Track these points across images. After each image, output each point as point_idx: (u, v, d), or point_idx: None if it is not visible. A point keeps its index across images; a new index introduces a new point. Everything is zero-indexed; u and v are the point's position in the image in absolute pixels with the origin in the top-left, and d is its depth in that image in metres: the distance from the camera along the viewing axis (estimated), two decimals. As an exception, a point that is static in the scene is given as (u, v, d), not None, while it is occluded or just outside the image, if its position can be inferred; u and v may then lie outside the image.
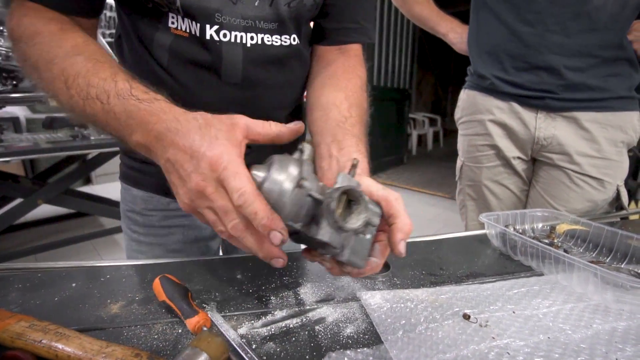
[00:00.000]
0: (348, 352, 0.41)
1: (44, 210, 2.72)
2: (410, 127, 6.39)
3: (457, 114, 1.29)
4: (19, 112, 3.91)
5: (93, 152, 2.60)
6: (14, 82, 2.61)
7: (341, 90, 0.67)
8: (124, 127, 0.46)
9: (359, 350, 0.42)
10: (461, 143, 1.28)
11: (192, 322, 0.46)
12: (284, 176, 0.43)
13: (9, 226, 2.47)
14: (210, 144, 0.42)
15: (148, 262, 0.67)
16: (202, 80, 0.65)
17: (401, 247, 0.45)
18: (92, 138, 2.54)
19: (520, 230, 0.79)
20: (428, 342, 0.43)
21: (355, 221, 0.43)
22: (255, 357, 0.42)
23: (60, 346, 0.41)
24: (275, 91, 0.71)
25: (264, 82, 0.68)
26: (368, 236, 0.47)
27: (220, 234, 0.45)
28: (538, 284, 0.58)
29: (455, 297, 0.53)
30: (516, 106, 1.10)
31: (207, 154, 0.42)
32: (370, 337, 0.46)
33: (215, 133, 0.44)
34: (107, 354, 0.39)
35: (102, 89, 0.47)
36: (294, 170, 0.43)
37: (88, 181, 4.22)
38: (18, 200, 2.41)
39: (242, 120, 0.46)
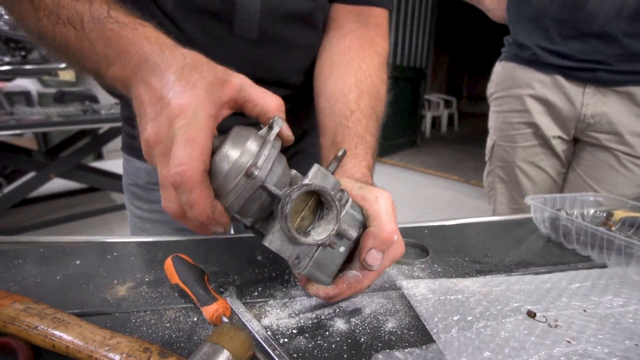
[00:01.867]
0: (396, 353, 0.35)
1: (57, 184, 2.71)
2: (425, 109, 6.20)
3: (490, 88, 1.19)
4: (31, 86, 3.89)
5: (104, 127, 2.57)
6: (23, 53, 2.55)
7: (352, 72, 0.57)
8: (101, 57, 0.38)
9: (407, 350, 0.36)
10: (493, 120, 1.18)
11: (209, 311, 0.40)
12: (234, 155, 0.34)
13: (22, 200, 2.48)
14: (181, 91, 0.34)
15: (159, 239, 0.61)
16: (212, 33, 0.56)
17: (369, 258, 0.38)
18: (102, 112, 2.50)
19: (574, 216, 0.71)
20: (490, 344, 0.36)
21: (320, 232, 0.35)
22: (284, 355, 0.35)
23: (57, 334, 0.35)
24: (294, 52, 0.62)
25: (283, 39, 0.59)
26: (342, 249, 0.40)
27: None
28: (603, 278, 0.50)
29: (511, 290, 0.46)
30: (561, 79, 0.99)
31: (172, 103, 0.33)
32: (417, 334, 0.39)
33: (196, 80, 0.35)
34: (111, 347, 0.33)
35: (74, 10, 0.38)
36: (248, 151, 0.34)
37: (100, 157, 4.21)
38: (31, 174, 2.40)
39: (238, 79, 0.37)
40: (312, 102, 0.73)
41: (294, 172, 0.40)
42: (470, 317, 0.39)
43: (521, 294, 0.45)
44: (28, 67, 2.58)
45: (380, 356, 0.34)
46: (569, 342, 0.36)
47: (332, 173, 0.38)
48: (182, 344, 0.38)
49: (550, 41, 0.98)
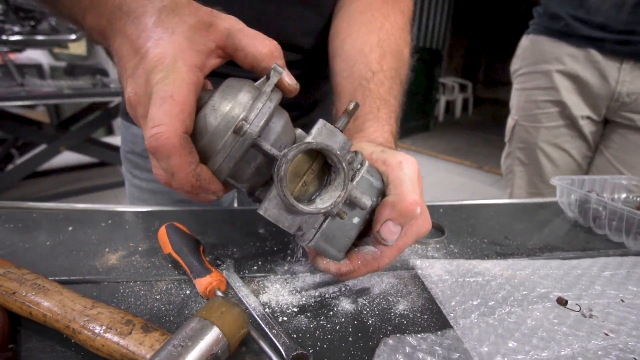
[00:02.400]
0: (408, 338, 0.31)
1: (68, 158, 2.72)
2: (439, 92, 6.01)
3: (515, 64, 1.10)
4: (43, 59, 3.88)
5: (114, 101, 2.55)
6: (32, 23, 2.52)
7: (374, 31, 0.51)
8: (76, 5, 0.33)
9: (420, 335, 0.32)
10: (516, 99, 1.10)
11: (202, 283, 0.36)
12: (223, 108, 0.29)
13: (34, 172, 2.50)
14: (158, 39, 0.28)
15: (157, 209, 0.57)
16: None
17: (384, 231, 0.32)
18: (112, 86, 2.48)
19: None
20: (515, 333, 0.31)
21: (326, 199, 0.30)
22: (283, 335, 0.32)
23: (36, 301, 0.32)
24: (306, 11, 0.56)
25: None
26: (355, 220, 0.34)
27: None
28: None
29: (537, 275, 0.41)
30: (595, 54, 0.91)
31: (150, 53, 0.28)
32: (431, 318, 0.35)
33: (175, 25, 0.29)
34: (90, 317, 0.30)
35: None
36: (239, 104, 0.29)
37: (110, 132, 4.22)
38: (42, 147, 2.41)
39: (225, 22, 0.31)
40: (324, 68, 0.67)
41: (299, 131, 0.35)
42: (492, 302, 0.35)
43: (548, 279, 0.40)
44: (38, 37, 2.55)
45: (391, 341, 0.30)
46: (606, 334, 0.32)
47: (342, 130, 0.33)
48: (172, 318, 0.34)
49: (586, 11, 0.89)
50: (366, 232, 0.36)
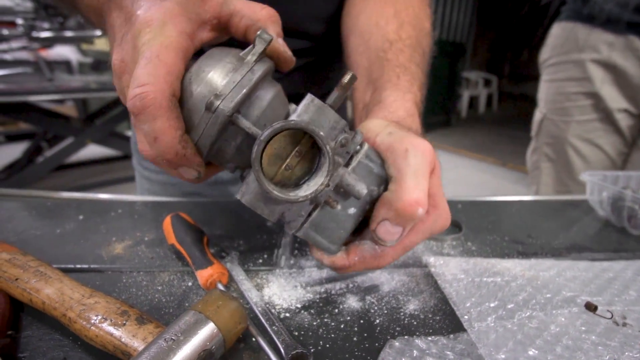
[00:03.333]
0: (417, 340, 0.28)
1: (93, 151, 2.81)
2: (462, 87, 5.84)
3: (545, 53, 1.04)
4: (71, 55, 4.02)
5: (137, 95, 2.61)
6: (61, 20, 2.61)
7: (390, 3, 0.46)
8: None
9: (430, 338, 0.29)
10: (545, 91, 1.04)
11: (203, 275, 0.35)
12: (201, 81, 0.26)
13: (62, 165, 2.60)
14: (150, 5, 0.27)
15: (164, 200, 0.57)
16: None
17: (381, 231, 0.28)
18: (135, 81, 2.53)
19: None
20: (537, 340, 0.28)
21: (312, 185, 0.26)
22: (283, 332, 0.30)
23: (36, 288, 0.31)
24: None
25: None
26: (351, 210, 0.30)
27: None
28: (682, 270, 0.41)
29: (563, 277, 0.38)
30: (636, 40, 0.84)
31: (139, 16, 0.27)
32: (444, 320, 0.33)
33: None
34: (86, 307, 0.29)
35: None
36: (216, 75, 0.26)
37: (134, 126, 4.34)
38: (69, 140, 2.50)
39: None
40: (335, 57, 0.65)
41: (293, 106, 0.31)
42: (512, 305, 0.32)
43: (575, 281, 0.37)
44: (66, 33, 2.64)
45: (397, 343, 0.28)
46: (643, 345, 0.28)
47: (334, 107, 0.28)
48: (171, 310, 0.33)
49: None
50: (367, 223, 0.32)
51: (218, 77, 0.26)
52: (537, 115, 1.06)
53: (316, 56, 0.61)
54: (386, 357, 0.26)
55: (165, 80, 0.25)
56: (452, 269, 0.38)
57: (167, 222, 0.42)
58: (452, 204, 0.59)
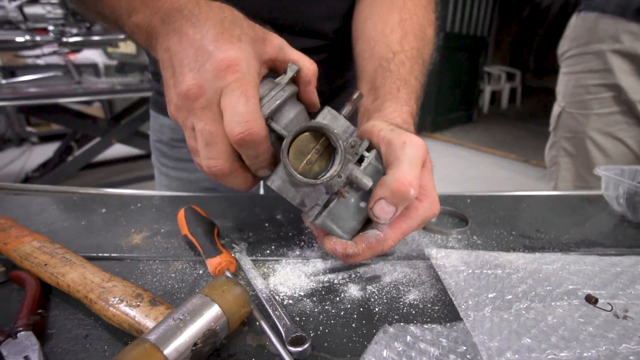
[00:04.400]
0: (411, 327, 0.29)
1: (118, 150, 2.93)
2: (484, 82, 5.69)
3: (564, 45, 1.01)
4: (98, 58, 4.19)
5: (161, 96, 2.70)
6: (88, 25, 2.72)
7: (396, 10, 0.50)
8: (123, 4, 0.36)
9: (426, 326, 0.30)
10: (564, 84, 1.01)
11: (213, 263, 0.37)
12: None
13: (89, 163, 2.72)
14: (227, 43, 0.31)
15: (181, 194, 0.60)
16: None
17: (377, 208, 0.32)
18: (158, 81, 2.62)
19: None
20: (532, 330, 0.29)
21: (327, 175, 0.32)
22: (285, 317, 0.32)
23: (62, 273, 0.34)
24: None
25: None
26: (362, 204, 0.35)
27: (197, 165, 0.36)
28: (696, 265, 0.40)
29: (567, 270, 0.38)
30: (660, 30, 0.81)
31: (218, 55, 0.31)
32: (442, 310, 0.34)
33: (240, 35, 0.33)
34: (105, 289, 0.32)
35: None
36: (263, 90, 0.33)
37: (156, 126, 4.48)
38: (96, 140, 2.62)
39: (277, 39, 0.36)
40: (347, 54, 0.66)
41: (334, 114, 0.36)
42: (510, 296, 0.33)
43: (580, 275, 0.37)
44: (93, 38, 2.75)
45: (391, 329, 0.29)
46: (641, 337, 0.28)
47: (346, 117, 0.35)
48: (183, 295, 0.36)
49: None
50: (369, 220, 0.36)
51: (262, 92, 0.33)
52: (556, 108, 1.03)
53: (331, 52, 0.62)
54: (379, 341, 0.28)
55: (259, 115, 0.31)
56: (454, 261, 0.38)
57: (181, 214, 0.45)
58: (460, 198, 0.60)
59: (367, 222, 0.37)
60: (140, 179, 2.78)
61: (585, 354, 0.27)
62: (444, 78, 4.48)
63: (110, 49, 3.92)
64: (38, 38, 2.56)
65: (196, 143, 0.33)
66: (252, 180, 0.36)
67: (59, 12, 2.56)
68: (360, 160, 0.35)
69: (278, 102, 0.33)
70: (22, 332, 0.29)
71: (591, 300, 0.32)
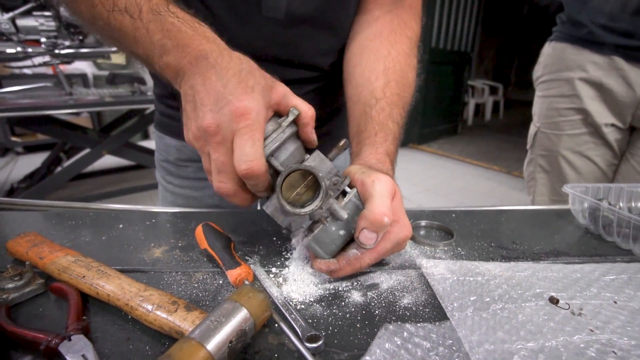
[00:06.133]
0: (407, 325, 0.35)
1: (108, 161, 2.92)
2: (468, 95, 5.90)
3: (537, 71, 1.11)
4: (87, 68, 4.18)
5: (150, 108, 2.73)
6: (81, 37, 2.74)
7: (381, 59, 0.57)
8: (156, 46, 0.41)
9: (419, 325, 0.36)
10: (538, 106, 1.11)
11: (233, 274, 0.42)
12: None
13: (78, 174, 2.71)
14: (243, 93, 0.38)
15: (193, 210, 0.65)
16: (240, 13, 0.56)
17: (362, 237, 0.40)
18: (149, 94, 2.65)
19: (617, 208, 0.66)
20: (505, 326, 0.35)
21: (310, 206, 0.40)
22: (300, 319, 0.37)
23: (101, 284, 0.39)
24: (322, 33, 0.61)
25: (310, 20, 0.59)
26: (341, 232, 0.43)
27: (210, 182, 0.43)
28: (643, 272, 0.47)
29: (536, 276, 0.44)
30: (619, 61, 0.91)
31: (235, 103, 0.38)
32: (432, 312, 0.40)
33: (253, 85, 0.40)
34: (144, 298, 0.36)
35: (132, 1, 0.42)
36: (267, 130, 0.41)
37: (146, 136, 4.47)
38: (86, 151, 2.61)
39: (282, 87, 0.43)
40: (340, 83, 0.73)
41: (307, 156, 0.43)
42: (488, 299, 0.39)
43: (546, 280, 0.43)
44: (85, 50, 2.77)
45: (391, 326, 0.35)
46: (591, 330, 0.35)
47: (331, 159, 0.43)
48: (207, 302, 0.41)
49: (610, 18, 0.89)
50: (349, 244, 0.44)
51: (266, 132, 0.41)
52: (532, 128, 1.13)
53: (325, 81, 0.69)
54: (382, 336, 0.33)
55: (262, 156, 0.38)
56: (441, 270, 0.45)
57: (199, 230, 0.50)
58: (446, 213, 0.66)
59: (346, 246, 0.44)
60: (132, 190, 2.77)
61: (547, 344, 0.33)
62: (429, 92, 4.64)
63: (100, 60, 3.93)
64: (30, 50, 2.57)
65: (210, 167, 0.41)
66: (251, 200, 0.43)
67: (52, 24, 2.57)
68: (344, 193, 0.43)
69: (278, 143, 0.40)
70: (74, 335, 0.33)
71: (554, 301, 0.39)
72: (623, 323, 0.36)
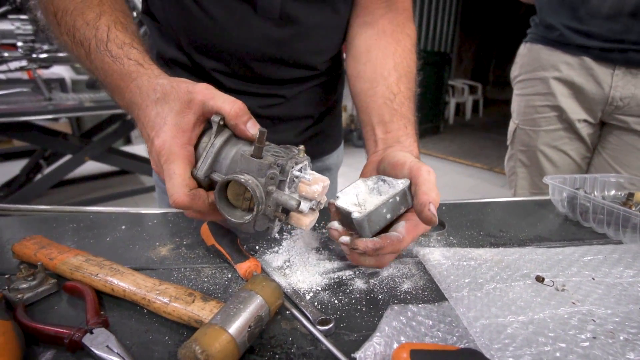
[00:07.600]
0: (410, 306, 0.38)
1: (91, 167, 2.86)
2: (448, 95, 6.05)
3: (515, 71, 1.17)
4: (65, 73, 4.06)
5: (132, 112, 2.68)
6: (58, 41, 2.67)
7: (390, 56, 0.60)
8: (105, 84, 0.46)
9: (420, 305, 0.39)
10: (516, 104, 1.17)
11: (242, 267, 0.44)
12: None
13: (60, 181, 2.64)
14: (159, 130, 0.41)
15: (193, 210, 0.66)
16: (235, 13, 0.58)
17: (432, 208, 0.41)
18: (131, 98, 2.61)
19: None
20: (498, 303, 0.39)
21: (248, 215, 0.40)
22: (310, 305, 0.40)
23: (115, 281, 0.40)
24: (316, 32, 0.63)
25: (305, 20, 0.61)
26: (388, 216, 0.44)
27: None
28: (617, 252, 0.52)
29: (523, 259, 0.48)
30: (589, 61, 0.97)
31: (155, 143, 0.41)
32: (431, 294, 0.43)
33: (166, 115, 0.41)
34: (160, 291, 0.38)
35: (84, 35, 0.45)
36: (199, 148, 0.42)
37: (129, 141, 4.39)
38: (67, 157, 2.55)
39: (199, 95, 0.42)
40: (332, 83, 0.76)
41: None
42: (481, 280, 0.43)
43: (532, 262, 0.47)
44: (63, 54, 2.70)
45: (396, 307, 0.38)
46: (573, 303, 0.39)
47: (255, 155, 0.39)
48: (219, 295, 0.43)
49: (579, 21, 0.95)
50: (387, 229, 0.45)
51: (197, 154, 0.43)
52: (511, 125, 1.19)
53: (317, 81, 0.71)
54: (388, 315, 0.36)
55: (182, 187, 0.39)
56: (437, 256, 0.48)
57: (205, 228, 0.52)
58: (438, 206, 0.70)
59: (383, 231, 0.44)
60: (117, 196, 2.72)
61: (535, 317, 0.37)
62: (411, 92, 4.74)
63: (78, 64, 3.82)
64: (6, 54, 2.49)
65: None
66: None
67: (28, 28, 2.50)
68: (301, 170, 0.42)
69: (210, 159, 0.41)
70: (96, 329, 0.35)
71: (539, 279, 0.43)
72: (600, 296, 0.40)
